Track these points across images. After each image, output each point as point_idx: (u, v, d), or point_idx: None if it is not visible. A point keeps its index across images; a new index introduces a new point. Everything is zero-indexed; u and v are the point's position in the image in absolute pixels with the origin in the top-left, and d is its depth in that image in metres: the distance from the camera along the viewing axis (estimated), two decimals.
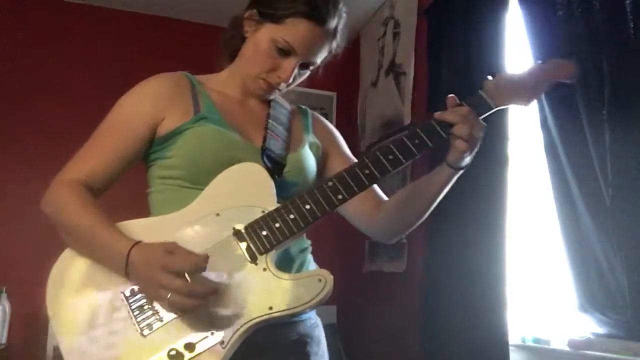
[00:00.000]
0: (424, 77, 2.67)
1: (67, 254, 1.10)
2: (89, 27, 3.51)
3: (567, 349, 1.86)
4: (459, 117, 1.07)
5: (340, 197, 1.07)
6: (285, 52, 1.18)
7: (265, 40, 1.19)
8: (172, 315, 1.01)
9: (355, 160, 1.31)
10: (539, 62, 1.17)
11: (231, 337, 1.00)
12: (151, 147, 1.19)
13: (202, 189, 1.11)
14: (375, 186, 1.31)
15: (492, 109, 1.12)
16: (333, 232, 2.96)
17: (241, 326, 1.00)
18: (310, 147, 1.30)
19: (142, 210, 1.24)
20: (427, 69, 2.64)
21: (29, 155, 3.24)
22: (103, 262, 1.06)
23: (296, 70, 1.21)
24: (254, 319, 1.00)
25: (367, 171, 1.08)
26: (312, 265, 1.25)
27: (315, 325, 1.24)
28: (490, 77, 1.14)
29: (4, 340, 2.95)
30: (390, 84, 3.16)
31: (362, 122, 3.54)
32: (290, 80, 1.21)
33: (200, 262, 0.97)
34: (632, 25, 1.59)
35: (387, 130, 3.16)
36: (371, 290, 3.26)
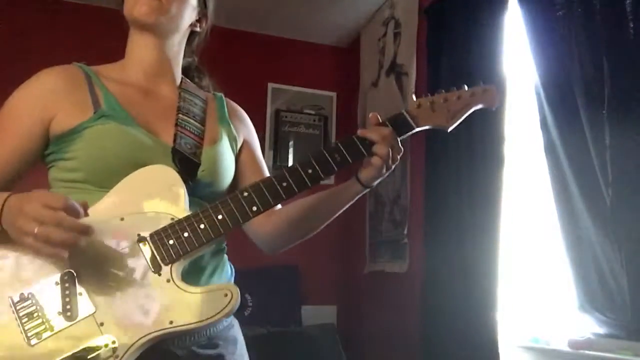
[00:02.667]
0: (425, 77, 2.67)
1: None
2: (88, 27, 3.51)
3: (567, 349, 1.86)
4: (380, 137, 1.07)
5: (254, 208, 1.03)
6: None
7: None
8: (64, 324, 0.94)
9: (262, 159, 1.31)
10: (465, 86, 1.17)
11: (126, 351, 0.94)
12: (47, 147, 1.12)
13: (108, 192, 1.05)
14: None
15: (413, 129, 1.12)
16: (334, 232, 2.96)
17: (138, 339, 0.94)
18: (229, 140, 1.23)
19: None
20: (427, 69, 2.64)
21: None
22: None
23: None
24: (152, 332, 0.95)
25: (284, 184, 1.05)
26: (226, 268, 1.19)
27: (229, 326, 1.18)
28: (414, 97, 1.14)
29: None
30: (392, 84, 3.16)
31: (362, 122, 3.54)
32: None
33: (72, 204, 0.90)
34: (632, 25, 1.59)
35: None
36: (372, 291, 3.26)
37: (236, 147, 1.25)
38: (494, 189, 2.07)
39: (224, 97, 1.32)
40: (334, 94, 3.85)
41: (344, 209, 1.19)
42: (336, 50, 3.95)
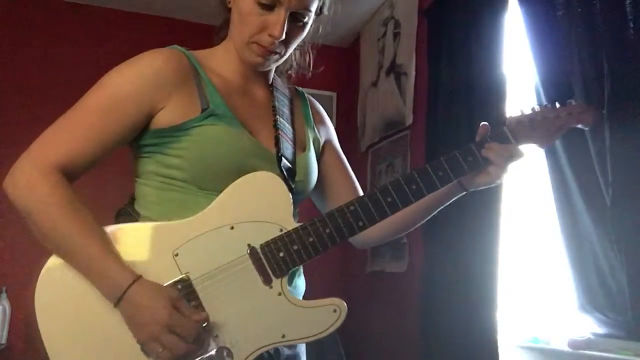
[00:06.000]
0: (425, 77, 2.67)
1: (54, 261, 0.99)
2: (87, 27, 3.51)
3: (567, 349, 1.85)
4: (503, 151, 1.10)
5: (361, 224, 1.03)
6: (269, 5, 1.04)
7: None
8: None
9: (344, 158, 1.30)
10: (562, 105, 1.16)
11: None
12: (143, 136, 1.06)
13: (210, 194, 1.03)
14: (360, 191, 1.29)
15: (511, 143, 1.13)
16: None
17: (252, 352, 0.97)
18: (314, 144, 1.22)
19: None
20: (427, 69, 2.64)
21: None
22: (90, 280, 0.97)
23: (287, 25, 1.05)
24: (266, 345, 0.98)
25: (389, 199, 1.04)
26: (301, 274, 1.18)
27: None
28: (511, 115, 1.16)
29: (4, 340, 2.96)
30: (391, 84, 3.15)
31: (362, 122, 3.54)
32: (283, 36, 1.05)
33: (200, 328, 0.94)
34: (632, 25, 1.59)
35: (388, 130, 3.16)
36: (372, 290, 3.26)
37: (319, 149, 1.24)
38: (493, 189, 2.07)
39: (306, 95, 1.31)
40: (334, 94, 3.85)
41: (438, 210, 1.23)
42: (336, 50, 3.95)
